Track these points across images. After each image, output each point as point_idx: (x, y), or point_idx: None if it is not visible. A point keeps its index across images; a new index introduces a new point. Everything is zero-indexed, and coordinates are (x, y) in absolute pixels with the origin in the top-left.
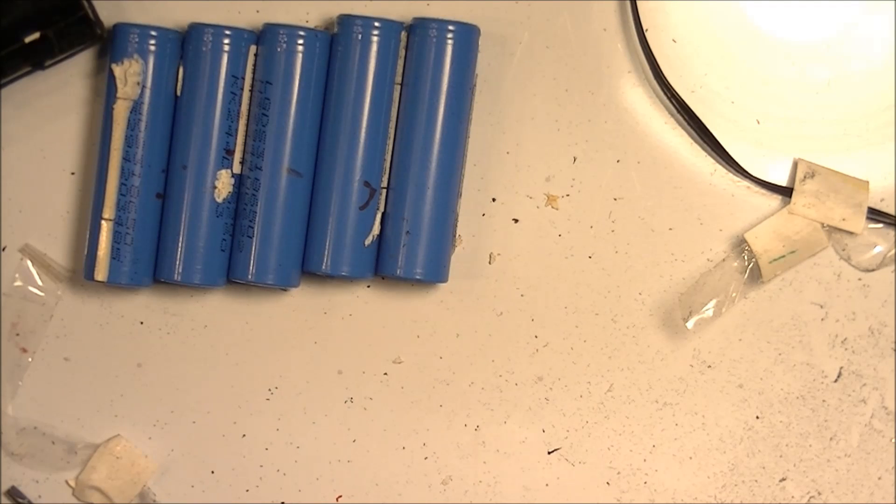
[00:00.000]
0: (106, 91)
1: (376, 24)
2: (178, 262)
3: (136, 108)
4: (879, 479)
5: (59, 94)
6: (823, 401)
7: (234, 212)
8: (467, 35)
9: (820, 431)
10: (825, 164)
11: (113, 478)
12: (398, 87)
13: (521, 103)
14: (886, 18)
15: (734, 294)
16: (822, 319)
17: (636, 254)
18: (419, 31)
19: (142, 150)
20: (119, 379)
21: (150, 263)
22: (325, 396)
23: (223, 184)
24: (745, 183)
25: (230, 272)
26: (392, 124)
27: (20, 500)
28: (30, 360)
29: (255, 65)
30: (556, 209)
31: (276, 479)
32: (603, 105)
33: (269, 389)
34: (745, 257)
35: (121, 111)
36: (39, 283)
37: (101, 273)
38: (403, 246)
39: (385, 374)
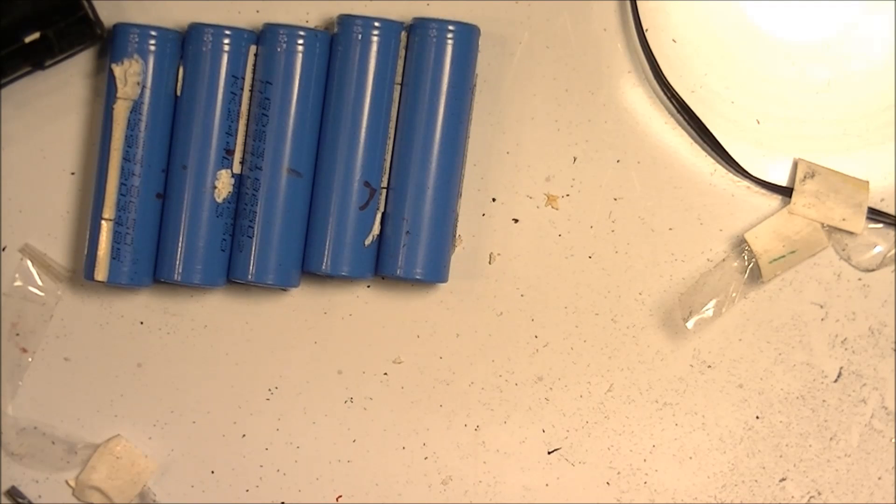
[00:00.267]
0: (106, 91)
1: (376, 24)
2: (178, 262)
3: (136, 108)
4: (879, 479)
5: (59, 94)
6: (823, 401)
7: (234, 212)
8: (467, 35)
9: (820, 431)
10: (825, 164)
11: (113, 478)
12: (398, 87)
13: (521, 103)
14: (886, 18)
15: (734, 294)
16: (822, 319)
17: (636, 254)
18: (419, 31)
19: (142, 150)
20: (119, 379)
21: (150, 263)
22: (325, 396)
23: (223, 184)
24: (745, 183)
25: (230, 272)
26: (392, 124)
27: (20, 500)
28: (30, 360)
29: (255, 65)
30: (556, 209)
31: (276, 479)
32: (603, 105)
33: (269, 389)
34: (745, 257)
35: (121, 111)
36: (39, 283)
37: (101, 273)
38: (403, 246)
39: (385, 374)
